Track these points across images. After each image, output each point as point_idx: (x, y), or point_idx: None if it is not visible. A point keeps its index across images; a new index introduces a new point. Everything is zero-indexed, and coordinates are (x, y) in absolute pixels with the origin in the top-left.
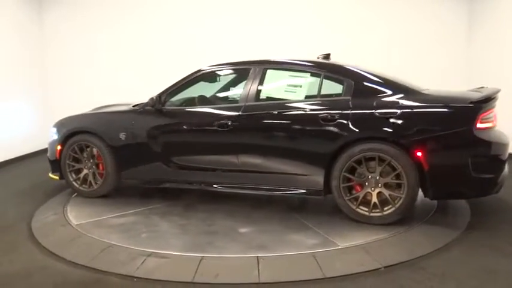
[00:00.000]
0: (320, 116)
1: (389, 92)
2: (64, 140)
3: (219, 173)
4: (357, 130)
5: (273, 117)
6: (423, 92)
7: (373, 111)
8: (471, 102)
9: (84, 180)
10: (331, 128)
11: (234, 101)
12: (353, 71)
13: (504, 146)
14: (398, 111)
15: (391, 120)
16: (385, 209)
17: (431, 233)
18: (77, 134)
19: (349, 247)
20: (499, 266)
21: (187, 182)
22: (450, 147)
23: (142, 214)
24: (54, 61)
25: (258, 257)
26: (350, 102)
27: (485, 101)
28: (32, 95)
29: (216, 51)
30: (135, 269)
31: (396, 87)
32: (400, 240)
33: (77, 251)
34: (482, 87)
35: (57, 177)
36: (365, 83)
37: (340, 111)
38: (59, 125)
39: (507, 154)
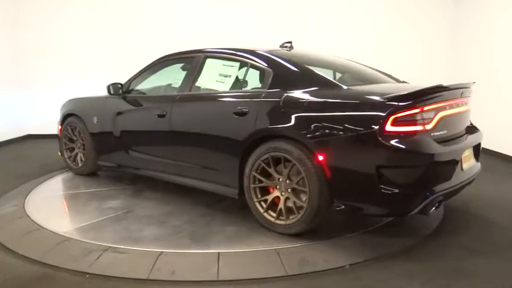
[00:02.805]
0: (234, 109)
1: (306, 85)
2: (62, 120)
3: (162, 162)
4: (263, 126)
5: (197, 108)
6: (351, 86)
7: (280, 106)
8: (380, 99)
9: (75, 158)
10: (242, 123)
11: (175, 90)
12: (275, 59)
13: (426, 156)
14: (304, 107)
15: (296, 117)
16: (291, 217)
17: (401, 231)
18: (71, 115)
19: (314, 244)
20: (466, 265)
21: (140, 168)
22: (354, 152)
23: (90, 195)
24: (30, 45)
25: (219, 253)
26: (262, 95)
27: (402, 99)
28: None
29: (198, 36)
30: (88, 264)
31: (317, 80)
32: (368, 238)
33: (31, 245)
34: (473, 83)
35: (59, 154)
36: (282, 74)
37: (251, 105)
38: (62, 107)
39: (440, 165)
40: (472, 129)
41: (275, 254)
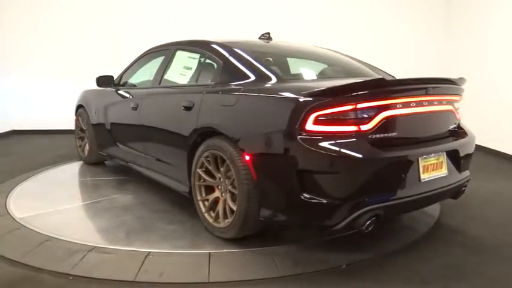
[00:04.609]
0: (182, 103)
1: (246, 78)
2: (76, 111)
3: (136, 154)
4: (204, 121)
5: (158, 102)
6: (291, 79)
7: (218, 100)
8: (301, 94)
9: (84, 148)
10: (188, 118)
11: (149, 83)
12: (226, 51)
13: (353, 161)
14: (235, 101)
15: (229, 112)
16: (226, 220)
17: (398, 229)
18: (81, 106)
19: (308, 244)
20: (465, 264)
21: (125, 160)
22: (276, 153)
23: (73, 187)
24: (15, 37)
25: (209, 253)
26: (207, 89)
27: (327, 94)
28: None
29: (194, 28)
30: (72, 265)
31: (258, 73)
32: (364, 237)
33: (11, 245)
34: (461, 78)
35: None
36: (230, 66)
37: (196, 99)
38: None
39: (374, 172)
40: (455, 134)
41: (268, 254)
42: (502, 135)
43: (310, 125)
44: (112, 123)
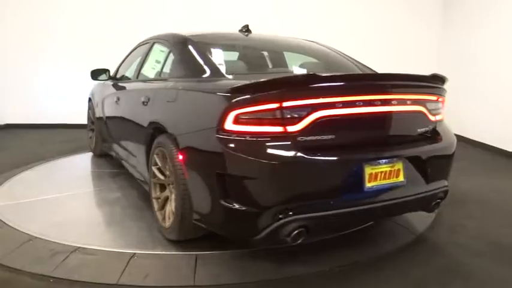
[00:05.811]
0: (141, 98)
1: (206, 73)
2: (88, 104)
3: (118, 146)
4: (154, 116)
5: (128, 95)
6: (232, 76)
7: (166, 95)
8: (221, 90)
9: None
10: (145, 113)
11: (132, 77)
12: (186, 46)
13: (272, 165)
14: (175, 97)
15: (170, 108)
16: (169, 221)
17: (392, 231)
18: (90, 99)
19: (295, 247)
20: (462, 266)
21: (117, 155)
22: (200, 153)
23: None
24: (7, 29)
25: (196, 255)
26: (160, 83)
27: (248, 90)
28: None
29: (191, 23)
30: (53, 267)
31: (209, 69)
32: (356, 239)
33: None
34: (436, 75)
35: None
36: (185, 60)
37: (150, 94)
38: None
39: (299, 178)
40: (425, 138)
41: (256, 257)
42: (499, 131)
43: (229, 125)
44: (106, 117)
